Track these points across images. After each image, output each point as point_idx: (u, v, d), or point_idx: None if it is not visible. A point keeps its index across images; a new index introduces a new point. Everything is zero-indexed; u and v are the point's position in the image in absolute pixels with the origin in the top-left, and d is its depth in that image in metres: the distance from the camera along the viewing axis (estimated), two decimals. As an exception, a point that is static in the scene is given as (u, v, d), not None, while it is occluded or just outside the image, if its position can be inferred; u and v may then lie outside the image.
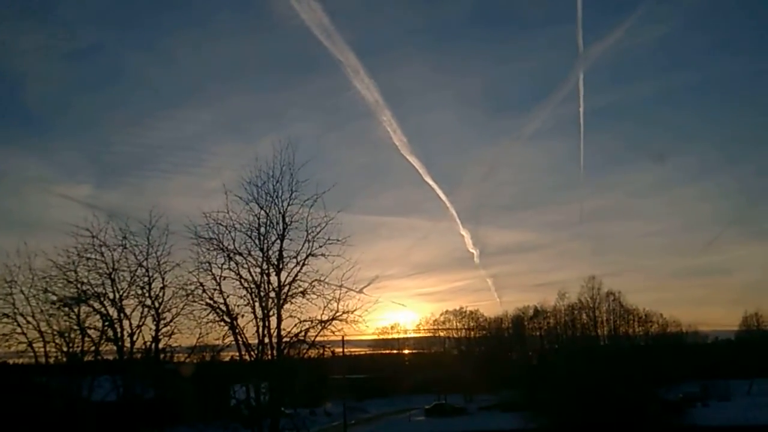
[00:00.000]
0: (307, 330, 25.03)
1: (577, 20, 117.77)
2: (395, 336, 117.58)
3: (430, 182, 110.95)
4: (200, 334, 25.79)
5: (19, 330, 27.31)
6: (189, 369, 29.85)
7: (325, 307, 24.78)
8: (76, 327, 27.72)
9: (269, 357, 25.07)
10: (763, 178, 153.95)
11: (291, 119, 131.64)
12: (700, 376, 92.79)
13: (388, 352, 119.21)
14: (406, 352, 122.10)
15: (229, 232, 24.84)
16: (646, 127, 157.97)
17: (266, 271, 25.01)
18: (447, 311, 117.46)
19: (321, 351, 26.66)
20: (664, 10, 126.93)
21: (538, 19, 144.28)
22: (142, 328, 27.76)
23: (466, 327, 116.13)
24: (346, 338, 34.89)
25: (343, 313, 24.73)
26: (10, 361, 30.36)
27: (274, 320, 24.89)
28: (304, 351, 26.01)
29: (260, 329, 24.83)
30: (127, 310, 27.62)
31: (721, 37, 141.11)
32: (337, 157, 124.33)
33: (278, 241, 25.07)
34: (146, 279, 27.44)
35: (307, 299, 24.92)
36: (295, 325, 24.99)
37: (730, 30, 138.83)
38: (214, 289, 24.83)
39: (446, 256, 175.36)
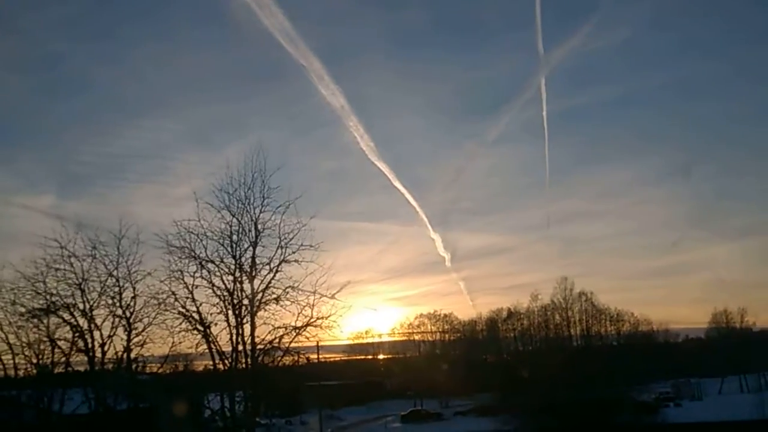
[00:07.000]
0: (281, 337, 24.90)
1: (536, 25, 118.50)
2: (370, 341, 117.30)
3: (399, 187, 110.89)
4: (173, 343, 25.70)
5: (-13, 343, 26.84)
6: (162, 379, 29.54)
7: (299, 313, 24.67)
8: (45, 338, 27.38)
9: (243, 365, 24.89)
10: (726, 177, 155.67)
11: (256, 126, 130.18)
12: (671, 375, 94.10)
13: (363, 357, 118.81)
14: (381, 357, 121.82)
15: (201, 240, 24.68)
16: (610, 129, 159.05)
17: (239, 279, 24.87)
18: (421, 315, 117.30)
19: (296, 358, 26.50)
20: (623, 14, 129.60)
21: (499, 24, 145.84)
22: (114, 338, 27.62)
23: (440, 330, 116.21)
24: (320, 344, 34.84)
25: (317, 318, 24.64)
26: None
27: (247, 328, 24.72)
28: (279, 358, 25.83)
29: (234, 337, 24.63)
30: (98, 321, 27.45)
31: (682, 39, 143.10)
32: (305, 163, 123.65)
33: (251, 248, 24.94)
34: (117, 289, 27.27)
35: (281, 306, 24.78)
36: (269, 332, 24.89)
37: (692, 32, 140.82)
38: (187, 298, 24.68)
39: (417, 260, 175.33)
